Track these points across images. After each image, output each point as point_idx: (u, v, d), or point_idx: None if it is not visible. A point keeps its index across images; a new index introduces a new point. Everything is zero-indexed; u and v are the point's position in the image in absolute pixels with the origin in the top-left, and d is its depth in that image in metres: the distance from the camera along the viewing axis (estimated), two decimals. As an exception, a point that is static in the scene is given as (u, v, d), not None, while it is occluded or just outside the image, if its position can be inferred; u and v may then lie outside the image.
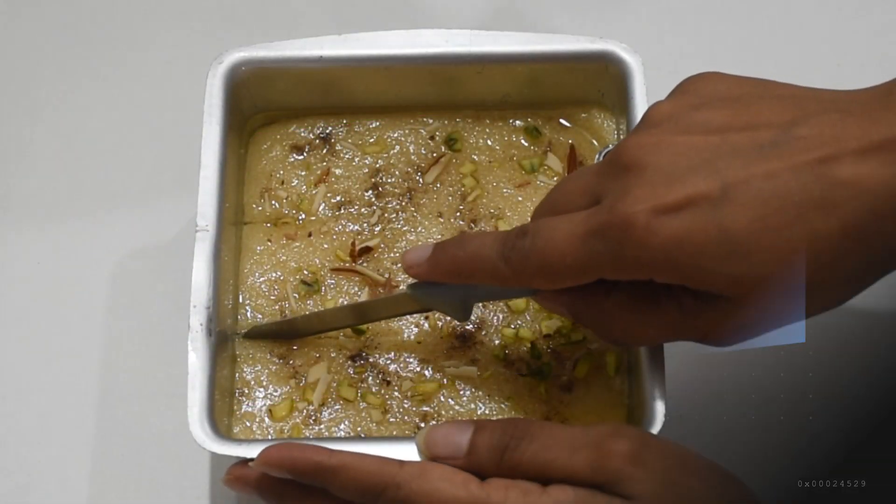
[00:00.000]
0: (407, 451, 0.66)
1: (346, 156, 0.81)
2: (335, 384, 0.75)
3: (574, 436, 0.62)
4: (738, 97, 0.63)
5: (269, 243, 0.78)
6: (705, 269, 0.60)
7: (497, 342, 0.76)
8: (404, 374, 0.75)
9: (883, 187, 0.58)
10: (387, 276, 0.77)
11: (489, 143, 0.81)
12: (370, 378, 0.75)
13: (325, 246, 0.78)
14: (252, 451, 0.67)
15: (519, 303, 0.76)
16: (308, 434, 0.73)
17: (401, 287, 0.76)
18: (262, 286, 0.77)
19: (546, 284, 0.65)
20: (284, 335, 0.76)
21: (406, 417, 0.74)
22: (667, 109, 0.64)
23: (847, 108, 0.61)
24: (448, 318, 0.75)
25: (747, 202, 0.59)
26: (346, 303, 0.76)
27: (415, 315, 0.76)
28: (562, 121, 0.81)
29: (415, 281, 0.70)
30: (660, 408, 0.69)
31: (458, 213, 0.79)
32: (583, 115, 0.81)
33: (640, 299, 0.64)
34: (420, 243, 0.77)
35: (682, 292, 0.63)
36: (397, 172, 0.80)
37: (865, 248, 0.60)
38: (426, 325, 0.76)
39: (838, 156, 0.59)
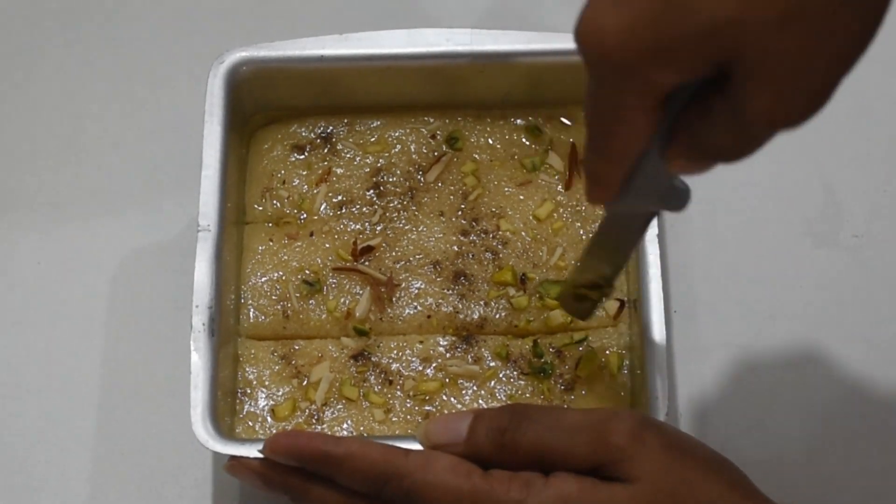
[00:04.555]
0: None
1: (348, 155, 0.81)
2: (338, 384, 0.75)
3: (574, 418, 0.62)
4: None
5: (271, 243, 0.78)
6: (672, 41, 0.54)
7: (499, 341, 0.76)
8: (406, 374, 0.75)
9: None
10: (388, 274, 0.77)
11: (490, 141, 0.81)
12: (372, 377, 0.75)
13: (327, 245, 0.78)
14: (254, 451, 0.67)
15: (521, 300, 0.76)
16: (310, 433, 0.73)
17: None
18: (264, 286, 0.77)
19: (624, 145, 0.59)
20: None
21: (408, 416, 0.74)
22: None
23: None
24: (439, 307, 0.76)
25: None
26: (348, 303, 0.76)
27: (416, 313, 0.76)
28: (563, 119, 0.81)
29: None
30: (662, 407, 0.69)
31: (459, 212, 0.79)
32: (583, 113, 0.81)
33: (702, 109, 0.57)
34: (415, 242, 0.78)
35: (723, 82, 0.56)
36: (398, 171, 0.80)
37: None
38: (429, 324, 0.76)
39: None
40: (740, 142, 0.58)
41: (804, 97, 0.56)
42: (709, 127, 0.57)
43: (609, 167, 0.60)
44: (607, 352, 0.75)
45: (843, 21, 0.54)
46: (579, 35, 0.55)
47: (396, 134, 0.81)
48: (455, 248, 0.78)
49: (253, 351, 0.76)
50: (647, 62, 0.55)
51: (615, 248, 0.70)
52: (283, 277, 0.77)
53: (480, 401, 0.74)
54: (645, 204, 0.64)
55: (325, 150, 0.81)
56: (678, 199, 0.63)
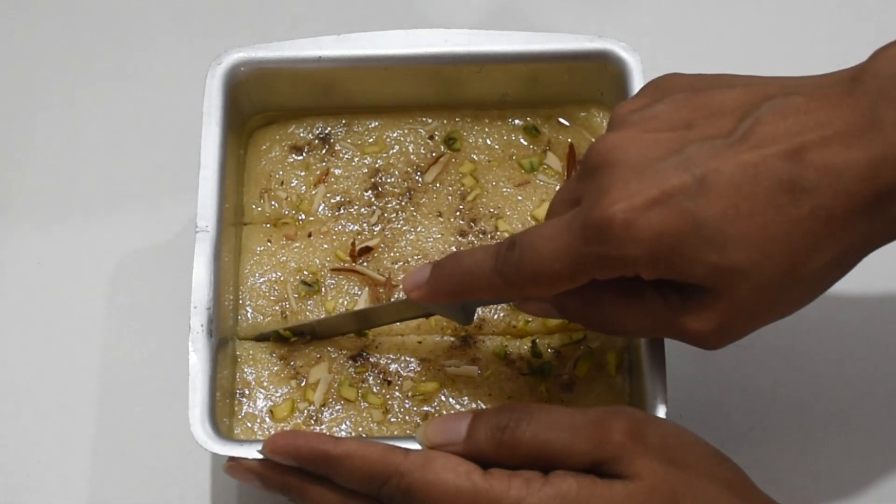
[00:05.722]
0: (408, 451, 0.66)
1: (346, 156, 0.81)
2: (336, 384, 0.75)
3: (573, 416, 0.62)
4: (699, 89, 0.64)
5: (269, 244, 0.78)
6: (685, 260, 0.60)
7: (498, 341, 0.76)
8: (405, 374, 0.75)
9: (849, 171, 0.60)
10: (387, 275, 0.77)
11: (488, 142, 0.81)
12: (371, 378, 0.75)
13: (325, 246, 0.78)
14: (253, 452, 0.67)
15: (519, 302, 0.76)
16: (309, 434, 0.73)
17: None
18: (263, 287, 0.77)
19: (541, 292, 0.65)
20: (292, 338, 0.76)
21: (407, 417, 0.74)
22: (629, 107, 0.65)
23: (810, 93, 0.62)
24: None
25: (720, 190, 0.59)
26: (346, 304, 0.76)
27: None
28: (561, 120, 0.81)
29: None
30: (661, 407, 0.69)
31: (457, 213, 0.79)
32: (582, 113, 0.81)
33: (627, 292, 0.65)
34: (413, 243, 0.78)
35: (667, 287, 0.63)
36: (397, 172, 0.80)
37: (840, 231, 0.61)
38: (427, 324, 0.76)
39: (805, 143, 0.60)
40: (644, 332, 0.67)
41: (736, 336, 0.64)
42: (625, 311, 0.65)
43: (500, 295, 0.66)
44: (606, 352, 0.75)
45: (811, 297, 0.64)
46: (609, 219, 0.60)
47: (394, 134, 0.81)
48: (453, 248, 0.78)
49: (251, 352, 0.76)
50: (649, 263, 0.61)
51: (376, 321, 0.76)
52: (282, 278, 0.77)
53: (479, 401, 0.74)
54: (445, 314, 0.72)
55: (324, 151, 0.81)
56: (473, 316, 0.72)
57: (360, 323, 0.75)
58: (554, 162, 0.80)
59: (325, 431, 0.73)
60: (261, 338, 0.76)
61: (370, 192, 0.80)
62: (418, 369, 0.75)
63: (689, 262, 0.60)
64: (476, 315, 0.73)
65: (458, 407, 0.74)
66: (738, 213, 0.59)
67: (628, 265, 0.61)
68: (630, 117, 0.64)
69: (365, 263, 0.78)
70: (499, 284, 0.65)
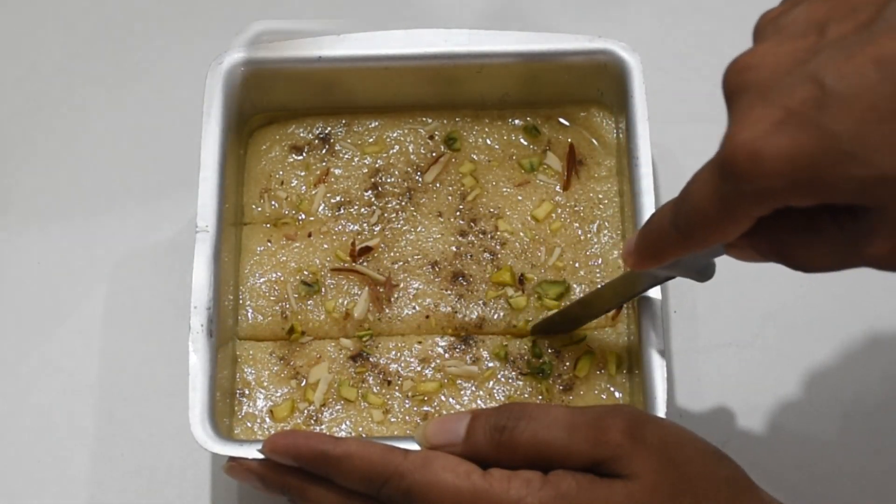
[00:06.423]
0: (408, 451, 0.66)
1: (346, 156, 0.81)
2: (336, 384, 0.75)
3: (572, 415, 0.62)
4: None
5: (269, 244, 0.78)
6: (828, 180, 0.53)
7: (498, 341, 0.76)
8: (405, 374, 0.75)
9: None
10: (387, 275, 0.77)
11: (488, 142, 0.81)
12: (371, 378, 0.75)
13: (325, 246, 0.78)
14: (253, 452, 0.67)
15: (520, 301, 0.76)
16: (309, 434, 0.73)
17: None
18: (263, 287, 0.77)
19: (712, 239, 0.59)
20: (564, 328, 0.76)
21: (407, 417, 0.74)
22: (767, 17, 0.59)
23: None
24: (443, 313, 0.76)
25: (853, 95, 0.52)
26: (346, 304, 0.76)
27: (415, 314, 0.76)
28: (561, 120, 0.81)
29: None
30: (661, 407, 0.69)
31: (457, 213, 0.79)
32: (582, 113, 0.81)
33: (805, 226, 0.58)
34: (413, 243, 0.78)
35: (843, 214, 0.57)
36: (397, 172, 0.80)
37: None
38: (427, 324, 0.76)
39: None
40: (833, 265, 0.58)
41: None
42: (809, 245, 0.58)
43: (682, 248, 0.61)
44: (606, 352, 0.75)
45: None
46: (734, 154, 0.54)
47: (394, 134, 0.81)
48: (453, 248, 0.78)
49: (251, 352, 0.76)
50: (792, 191, 0.54)
51: (617, 296, 0.73)
52: (282, 278, 0.77)
53: (479, 401, 0.74)
54: (678, 275, 0.68)
55: (324, 151, 0.81)
56: (708, 272, 0.66)
57: (617, 298, 0.73)
58: (554, 162, 0.80)
59: (325, 431, 0.73)
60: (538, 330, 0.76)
61: (370, 192, 0.80)
62: (418, 369, 0.75)
63: (832, 181, 0.53)
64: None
65: (458, 407, 0.74)
66: (880, 116, 0.52)
67: (770, 197, 0.55)
68: (766, 30, 0.57)
69: (365, 263, 0.78)
70: (676, 237, 0.61)
